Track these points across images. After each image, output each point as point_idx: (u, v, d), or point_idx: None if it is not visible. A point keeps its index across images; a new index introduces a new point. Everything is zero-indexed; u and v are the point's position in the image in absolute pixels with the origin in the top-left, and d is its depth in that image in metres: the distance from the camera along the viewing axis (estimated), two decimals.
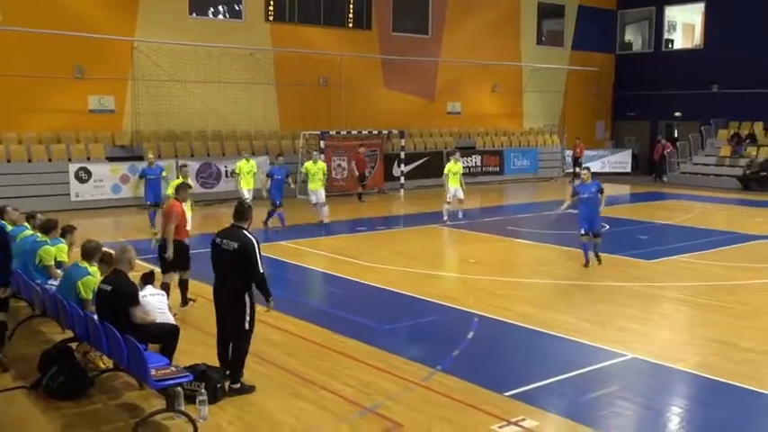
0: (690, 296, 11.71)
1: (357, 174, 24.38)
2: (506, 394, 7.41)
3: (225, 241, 7.35)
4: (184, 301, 10.48)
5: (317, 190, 18.22)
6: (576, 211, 13.83)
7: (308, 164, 18.77)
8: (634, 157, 34.61)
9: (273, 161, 20.08)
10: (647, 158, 34.61)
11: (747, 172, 28.65)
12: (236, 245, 7.21)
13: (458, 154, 20.15)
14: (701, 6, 33.81)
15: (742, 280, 12.82)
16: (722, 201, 25.02)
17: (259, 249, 7.22)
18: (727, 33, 32.05)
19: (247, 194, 18.23)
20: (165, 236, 10.10)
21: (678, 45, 36.03)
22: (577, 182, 13.37)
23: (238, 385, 7.29)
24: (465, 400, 7.29)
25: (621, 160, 33.67)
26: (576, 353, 8.87)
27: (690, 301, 11.49)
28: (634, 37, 37.68)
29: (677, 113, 34.43)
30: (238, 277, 7.28)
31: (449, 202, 18.70)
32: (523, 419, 6.81)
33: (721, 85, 32.36)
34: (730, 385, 7.84)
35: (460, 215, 18.88)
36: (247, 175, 18.56)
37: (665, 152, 32.05)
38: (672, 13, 35.62)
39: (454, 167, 18.97)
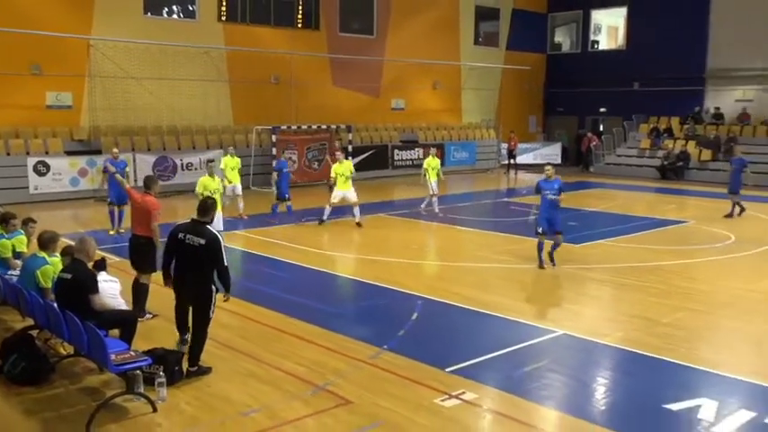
0: (614, 277, 11.98)
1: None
2: (447, 370, 7.50)
3: (189, 237, 7.18)
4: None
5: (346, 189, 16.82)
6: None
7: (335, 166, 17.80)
8: (563, 149, 35.15)
9: (282, 156, 19.51)
10: (575, 151, 35.22)
11: (665, 163, 29.41)
12: (202, 241, 7.09)
13: (434, 150, 20.06)
14: (623, 11, 34.43)
15: (661, 261, 13.12)
16: (642, 189, 25.61)
17: (223, 243, 7.19)
18: (647, 35, 32.78)
19: (231, 190, 17.25)
20: (153, 233, 9.00)
21: (603, 46, 36.67)
22: (542, 177, 12.33)
23: (196, 368, 7.21)
24: (410, 376, 7.35)
25: (552, 152, 34.11)
26: (510, 331, 9.00)
27: (614, 281, 11.76)
28: (563, 38, 38.21)
29: (602, 109, 35.13)
30: (204, 270, 7.19)
31: (432, 195, 18.54)
32: (463, 393, 6.90)
33: (642, 83, 33.13)
34: (650, 357, 8.08)
35: (436, 208, 18.62)
36: (232, 171, 17.55)
37: (591, 145, 32.67)
38: (597, 16, 36.22)
39: (432, 162, 18.78)
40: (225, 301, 7.37)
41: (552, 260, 12.33)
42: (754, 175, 26.60)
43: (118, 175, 12.61)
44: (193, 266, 7.21)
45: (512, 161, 30.80)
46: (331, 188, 17.11)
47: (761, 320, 9.65)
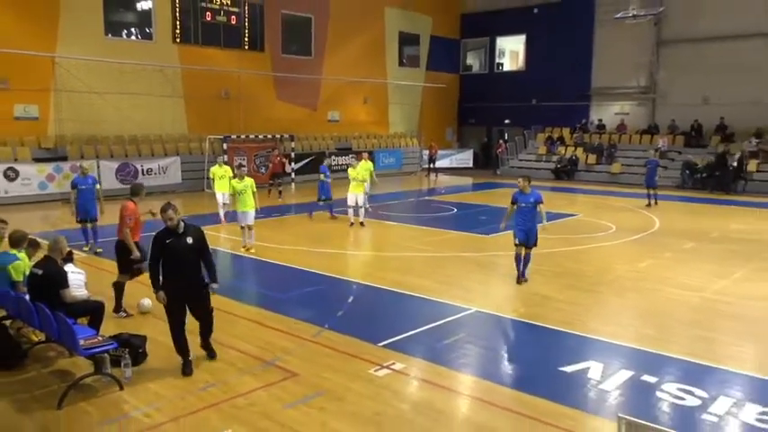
0: None
1: (270, 173, 23.87)
2: (380, 344, 7.53)
3: (175, 238, 6.54)
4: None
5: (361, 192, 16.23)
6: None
7: (350, 170, 17.38)
8: (475, 154, 35.69)
9: (324, 162, 18.28)
10: (484, 156, 35.78)
11: (558, 166, 30.24)
12: (190, 239, 6.56)
13: (366, 155, 19.80)
14: (523, 38, 35.15)
15: (555, 248, 13.37)
16: (540, 188, 25.84)
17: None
18: (542, 59, 33.62)
19: (221, 198, 16.03)
20: (122, 237, 8.62)
21: (506, 68, 37.33)
22: (516, 189, 10.66)
23: (214, 353, 7.02)
24: (347, 350, 7.35)
25: (465, 157, 34.63)
26: (432, 309, 9.06)
27: None
28: (473, 61, 38.74)
29: (506, 121, 35.74)
30: (197, 266, 6.69)
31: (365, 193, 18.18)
32: (393, 363, 6.95)
33: (539, 98, 33.94)
34: (547, 328, 8.28)
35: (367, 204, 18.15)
36: (220, 180, 16.05)
37: (497, 151, 33.27)
38: (502, 42, 36.88)
39: (365, 166, 17.93)
40: (212, 292, 6.85)
41: (523, 275, 10.60)
42: (630, 175, 27.64)
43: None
44: (189, 266, 6.62)
45: (432, 165, 31.10)
46: (271, 190, 16.60)
47: (638, 296, 10.01)
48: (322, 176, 17.37)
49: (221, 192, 16.02)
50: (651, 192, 20.31)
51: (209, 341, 7.07)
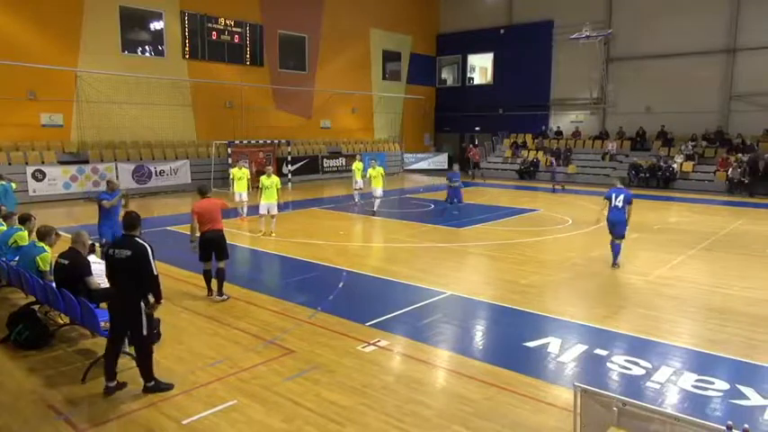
0: (487, 251, 12.25)
1: (255, 171, 23.87)
2: (367, 324, 7.53)
3: (117, 251, 5.53)
4: (219, 292, 8.55)
5: (377, 187, 17.30)
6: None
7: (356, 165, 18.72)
8: (449, 158, 35.70)
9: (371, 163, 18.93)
10: (459, 158, 35.74)
11: (521, 167, 30.34)
12: (128, 252, 5.46)
13: (359, 156, 20.01)
14: (491, 55, 35.19)
15: (519, 239, 13.50)
16: (506, 187, 26.25)
17: (152, 254, 5.52)
18: (507, 74, 33.71)
19: (238, 197, 15.70)
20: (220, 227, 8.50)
21: (477, 81, 37.27)
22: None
23: (153, 383, 5.66)
24: (338, 330, 7.34)
25: (441, 160, 34.64)
26: (413, 293, 9.08)
27: (487, 254, 12.02)
28: (448, 75, 38.69)
29: (477, 128, 35.79)
30: (133, 285, 5.50)
31: (357, 189, 18.96)
32: (379, 341, 6.95)
33: (505, 108, 34.02)
34: (513, 309, 8.34)
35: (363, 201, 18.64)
36: (240, 181, 15.81)
37: (469, 155, 33.26)
38: (472, 59, 36.86)
39: (358, 165, 18.84)
40: (149, 310, 5.59)
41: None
42: (584, 175, 27.80)
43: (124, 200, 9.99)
44: (125, 282, 5.52)
45: (475, 168, 29.75)
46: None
47: (591, 280, 10.09)
48: (455, 183, 18.03)
49: (239, 191, 15.91)
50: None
51: (149, 372, 5.72)
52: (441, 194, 22.40)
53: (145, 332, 5.57)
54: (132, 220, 5.70)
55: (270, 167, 14.82)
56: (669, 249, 12.43)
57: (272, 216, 13.77)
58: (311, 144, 29.45)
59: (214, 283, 8.60)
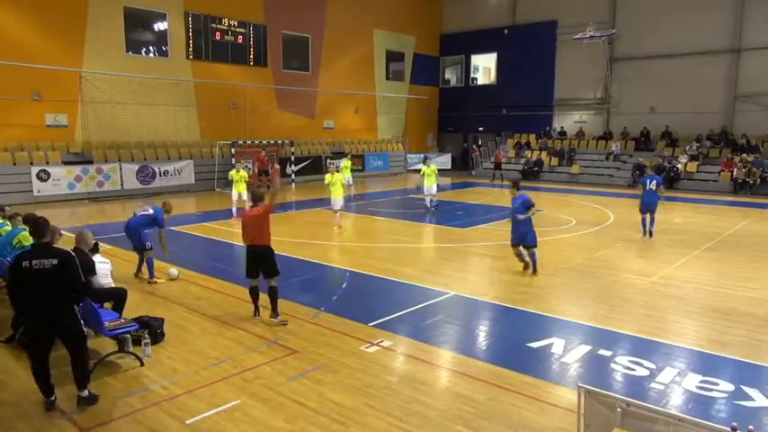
0: (489, 252, 12.21)
1: (257, 171, 24.05)
2: (370, 324, 7.51)
3: (36, 262, 5.02)
4: (274, 312, 7.64)
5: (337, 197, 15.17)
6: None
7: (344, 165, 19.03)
8: (453, 158, 35.74)
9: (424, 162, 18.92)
10: (462, 158, 35.80)
11: (525, 167, 30.33)
12: (54, 261, 5.04)
13: (349, 155, 20.02)
14: (494, 55, 35.20)
15: None
16: (509, 187, 26.06)
17: (76, 259, 5.26)
18: (511, 74, 33.69)
19: (236, 196, 15.93)
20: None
21: (480, 81, 37.33)
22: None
23: (86, 392, 5.34)
24: (342, 330, 7.33)
25: (445, 160, 34.66)
26: (416, 293, 9.06)
27: (489, 254, 11.98)
28: (451, 75, 38.72)
29: (480, 128, 35.80)
30: (64, 293, 5.12)
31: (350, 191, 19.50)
32: (382, 341, 6.94)
33: (508, 108, 34.02)
34: (516, 309, 8.31)
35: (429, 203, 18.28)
36: (238, 182, 15.98)
37: (472, 155, 33.30)
38: (476, 59, 36.89)
39: (428, 170, 17.97)
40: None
41: (533, 267, 10.24)
42: (588, 175, 27.75)
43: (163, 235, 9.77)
44: (52, 293, 5.07)
45: (498, 171, 28.66)
46: (268, 187, 16.74)
47: (595, 280, 10.04)
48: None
49: (237, 191, 16.06)
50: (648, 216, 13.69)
51: (86, 379, 5.47)
52: (442, 195, 22.38)
53: (85, 331, 5.37)
54: (40, 226, 5.25)
55: (333, 164, 15.17)
56: (673, 250, 12.38)
57: (335, 211, 14.71)
58: (314, 144, 29.48)
59: (264, 298, 7.75)
